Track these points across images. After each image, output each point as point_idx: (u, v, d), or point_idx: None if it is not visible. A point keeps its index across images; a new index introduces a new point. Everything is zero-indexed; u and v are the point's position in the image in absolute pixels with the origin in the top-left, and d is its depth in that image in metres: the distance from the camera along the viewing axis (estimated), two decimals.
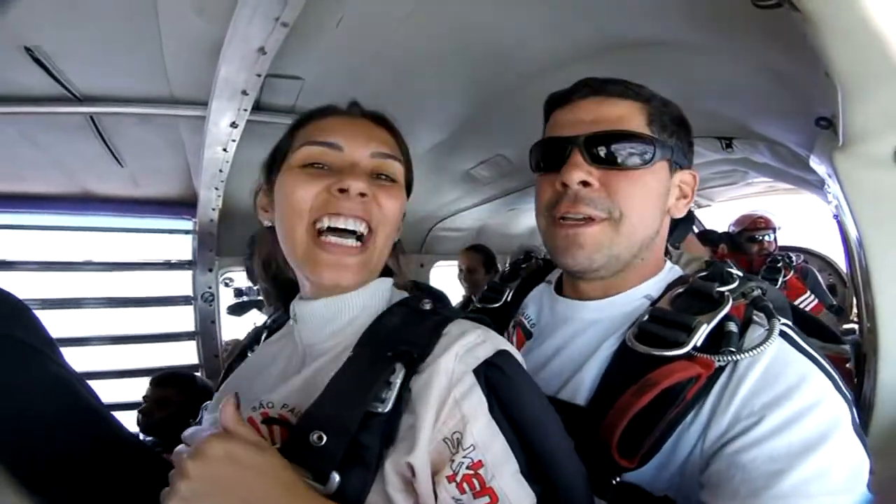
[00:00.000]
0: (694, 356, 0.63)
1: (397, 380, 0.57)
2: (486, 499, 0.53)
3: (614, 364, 0.71)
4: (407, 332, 0.64)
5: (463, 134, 1.96)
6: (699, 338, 0.64)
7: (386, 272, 0.77)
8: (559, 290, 0.88)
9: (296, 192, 0.68)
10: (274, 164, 0.76)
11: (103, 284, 2.53)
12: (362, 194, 0.66)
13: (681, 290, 0.75)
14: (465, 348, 0.60)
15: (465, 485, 0.53)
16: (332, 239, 0.66)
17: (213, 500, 0.50)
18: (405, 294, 0.76)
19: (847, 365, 1.01)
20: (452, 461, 0.54)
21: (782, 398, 0.58)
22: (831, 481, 0.54)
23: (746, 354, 0.61)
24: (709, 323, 0.65)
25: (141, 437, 2.01)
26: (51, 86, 1.40)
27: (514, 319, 0.91)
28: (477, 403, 0.56)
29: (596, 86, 0.77)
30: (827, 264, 3.55)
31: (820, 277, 3.15)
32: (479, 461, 0.54)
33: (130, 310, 2.58)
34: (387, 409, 0.55)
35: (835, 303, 2.95)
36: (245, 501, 0.49)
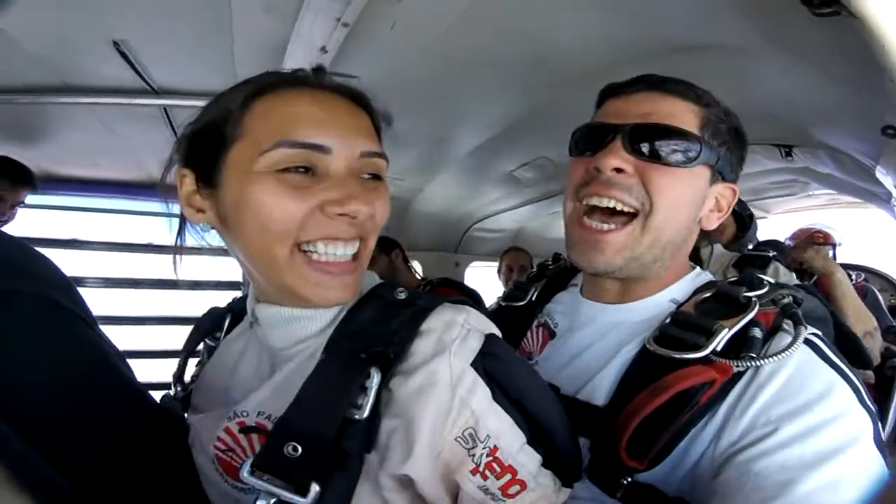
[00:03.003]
0: (712, 360, 0.61)
1: (373, 384, 0.53)
2: (508, 476, 0.55)
3: (634, 366, 0.70)
4: (380, 329, 0.58)
5: (507, 135, 1.96)
6: (719, 342, 0.62)
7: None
8: (584, 291, 0.87)
9: (275, 210, 0.56)
10: (211, 148, 0.60)
11: (160, 267, 2.68)
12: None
13: (707, 294, 0.73)
14: (456, 344, 0.56)
15: (487, 471, 0.54)
16: (330, 259, 0.59)
17: None
18: (377, 280, 0.68)
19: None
20: (473, 455, 0.54)
21: (803, 409, 0.56)
22: (844, 494, 0.51)
23: (766, 361, 0.59)
24: (731, 328, 0.63)
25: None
26: (131, 78, 1.52)
27: (539, 319, 0.91)
28: (482, 397, 0.56)
29: (654, 82, 0.76)
30: (889, 284, 3.32)
31: (881, 297, 2.96)
32: (496, 446, 0.55)
33: (182, 292, 2.70)
34: (364, 416, 0.52)
35: (894, 324, 2.77)
36: None
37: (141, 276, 2.62)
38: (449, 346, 0.55)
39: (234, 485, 0.62)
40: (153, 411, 0.71)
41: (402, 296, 0.62)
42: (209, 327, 0.81)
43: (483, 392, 0.56)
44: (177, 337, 2.63)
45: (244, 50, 1.40)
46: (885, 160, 1.05)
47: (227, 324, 0.80)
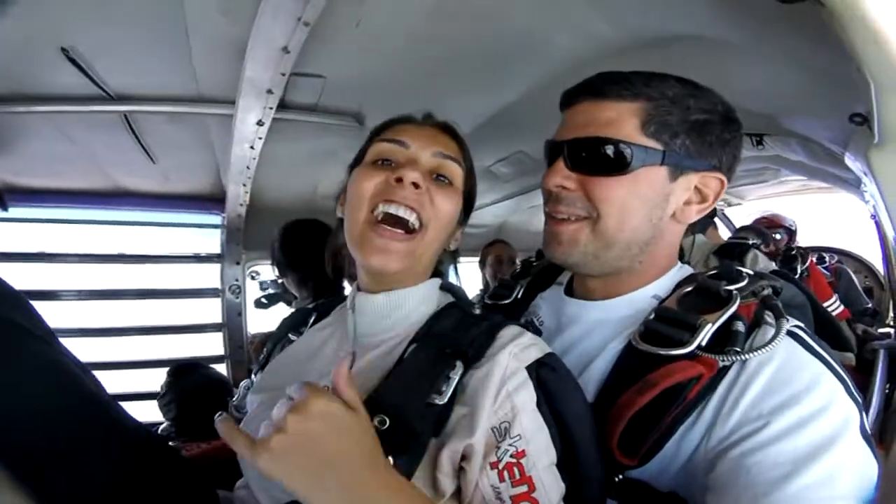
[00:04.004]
0: (698, 356, 0.62)
1: (455, 375, 0.62)
2: (525, 487, 0.57)
3: (620, 363, 0.71)
4: (462, 334, 0.68)
5: (483, 131, 1.94)
6: (703, 337, 0.63)
7: (436, 274, 0.82)
8: (570, 292, 0.88)
9: (362, 181, 0.73)
10: (354, 167, 0.82)
11: (135, 277, 2.60)
12: (415, 185, 0.70)
13: (689, 288, 0.74)
14: (519, 347, 0.65)
15: (505, 472, 0.57)
16: (385, 226, 0.71)
17: (299, 456, 0.50)
18: (449, 296, 0.82)
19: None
20: (498, 448, 0.58)
21: (792, 402, 0.57)
22: (837, 487, 0.52)
23: (751, 355, 0.60)
24: (714, 323, 0.64)
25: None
26: (87, 85, 1.46)
27: (525, 318, 0.91)
28: (527, 397, 0.62)
29: (596, 87, 0.76)
30: (863, 266, 3.41)
31: (855, 279, 3.03)
32: (523, 451, 0.58)
33: (161, 301, 2.64)
34: (444, 401, 0.60)
35: (870, 305, 2.84)
36: (324, 460, 0.50)
37: (113, 287, 2.53)
38: (511, 347, 0.65)
39: None
40: (118, 424, 0.69)
41: (478, 311, 0.74)
42: (297, 322, 0.94)
43: (528, 394, 0.62)
44: (150, 347, 2.57)
45: (202, 52, 1.36)
46: (853, 147, 1.06)
47: (312, 320, 0.92)
